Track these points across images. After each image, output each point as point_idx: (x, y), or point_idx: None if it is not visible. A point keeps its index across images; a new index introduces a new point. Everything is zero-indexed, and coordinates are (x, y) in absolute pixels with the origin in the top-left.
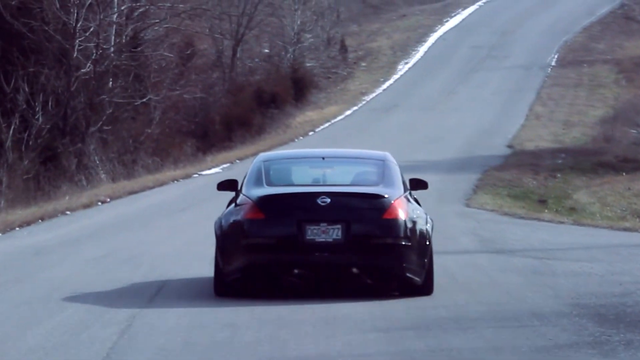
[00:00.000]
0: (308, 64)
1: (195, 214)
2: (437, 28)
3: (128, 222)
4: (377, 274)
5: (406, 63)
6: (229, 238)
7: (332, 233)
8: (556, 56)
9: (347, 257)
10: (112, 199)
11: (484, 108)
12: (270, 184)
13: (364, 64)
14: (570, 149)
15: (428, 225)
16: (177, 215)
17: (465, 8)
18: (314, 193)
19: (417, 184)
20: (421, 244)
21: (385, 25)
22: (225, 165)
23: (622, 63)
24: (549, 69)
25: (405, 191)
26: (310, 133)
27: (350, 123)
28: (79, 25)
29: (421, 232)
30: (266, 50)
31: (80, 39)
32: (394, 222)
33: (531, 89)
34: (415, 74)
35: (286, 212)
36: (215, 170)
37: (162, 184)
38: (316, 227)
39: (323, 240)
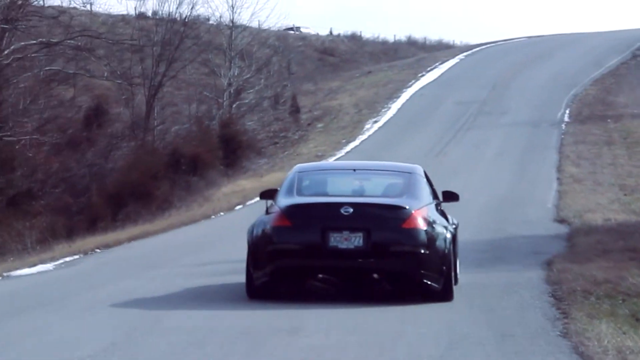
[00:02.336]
0: (248, 127)
1: None
2: (411, 83)
3: None
4: (395, 279)
5: (375, 122)
6: (259, 244)
7: (353, 240)
8: (567, 111)
9: (368, 263)
10: None
11: (491, 171)
12: (300, 193)
13: (320, 125)
14: None
15: (448, 234)
16: None
17: (443, 62)
18: (338, 203)
19: (450, 197)
20: (439, 252)
21: (347, 83)
22: (68, 259)
23: None
24: (563, 125)
25: (430, 202)
26: (238, 207)
27: None
28: None
29: (440, 241)
30: (198, 113)
31: None
32: (412, 231)
33: (548, 147)
34: (388, 133)
35: (311, 220)
36: (39, 268)
37: None
38: (339, 234)
39: (345, 247)
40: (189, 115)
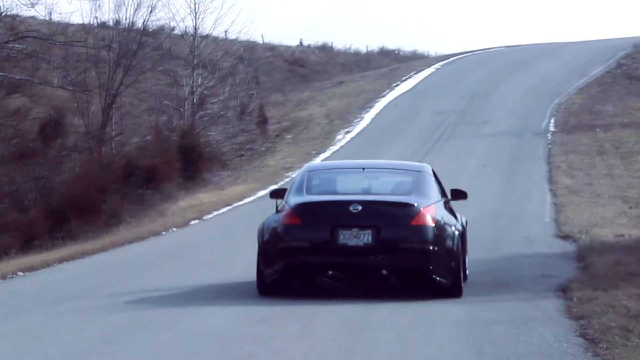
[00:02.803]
0: (212, 138)
1: None
2: (385, 93)
3: None
4: (404, 276)
5: (347, 132)
6: (269, 242)
7: (362, 237)
8: (553, 120)
9: (377, 260)
10: None
11: (477, 183)
12: (310, 192)
13: (289, 136)
14: None
15: (457, 232)
16: None
17: (418, 72)
18: (347, 201)
19: (458, 195)
20: (448, 249)
21: (317, 94)
22: None
23: None
24: (549, 135)
25: (438, 200)
26: (194, 222)
27: (265, 207)
28: None
29: (448, 238)
30: (158, 123)
31: None
32: (421, 228)
33: (535, 158)
34: (361, 144)
35: (320, 218)
36: None
37: None
38: (348, 232)
39: (354, 244)
40: (150, 127)
